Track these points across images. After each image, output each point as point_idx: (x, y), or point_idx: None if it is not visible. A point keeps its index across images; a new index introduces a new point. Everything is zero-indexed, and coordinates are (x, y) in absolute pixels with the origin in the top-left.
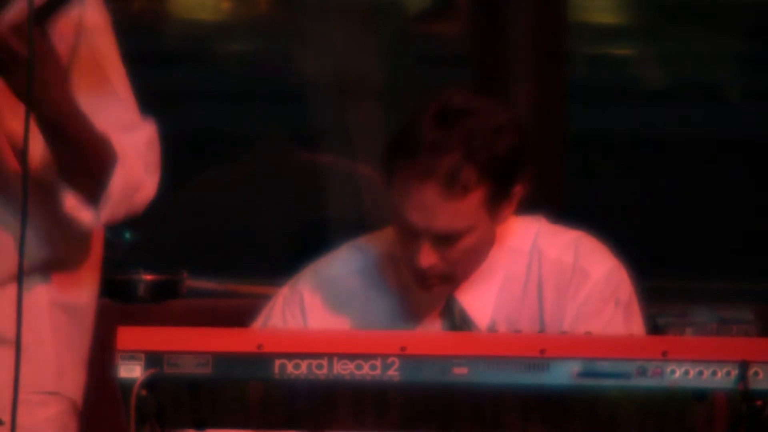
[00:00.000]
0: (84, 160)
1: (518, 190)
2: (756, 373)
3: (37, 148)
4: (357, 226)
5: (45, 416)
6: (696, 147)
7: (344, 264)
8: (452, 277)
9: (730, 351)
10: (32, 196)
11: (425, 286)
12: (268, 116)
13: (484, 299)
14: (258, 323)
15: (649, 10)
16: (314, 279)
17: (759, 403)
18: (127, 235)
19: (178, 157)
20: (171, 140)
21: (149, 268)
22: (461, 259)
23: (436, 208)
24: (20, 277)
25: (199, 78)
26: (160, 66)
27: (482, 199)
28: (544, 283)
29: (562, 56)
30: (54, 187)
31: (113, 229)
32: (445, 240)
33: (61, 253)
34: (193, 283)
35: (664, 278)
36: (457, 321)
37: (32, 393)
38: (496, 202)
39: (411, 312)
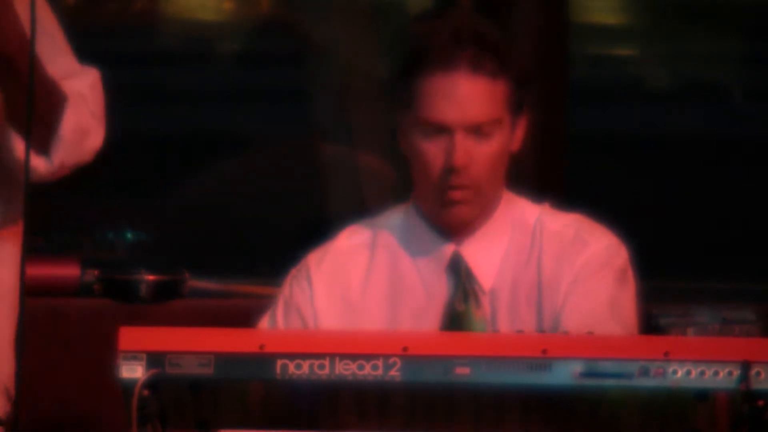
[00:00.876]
0: (35, 101)
1: (525, 119)
2: (758, 374)
3: None
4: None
5: None
6: (697, 147)
7: (349, 238)
8: (477, 191)
9: (732, 351)
10: None
11: (453, 199)
12: (269, 116)
13: (489, 261)
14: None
15: (651, 10)
16: (320, 252)
17: (761, 403)
18: (129, 235)
19: (179, 156)
20: (173, 140)
21: (151, 268)
22: (487, 168)
23: (466, 96)
24: (22, 277)
25: (200, 78)
26: (161, 66)
27: (504, 91)
28: (544, 253)
29: (564, 57)
30: (4, 136)
31: (115, 229)
32: (476, 133)
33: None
34: (195, 283)
35: (665, 278)
36: (463, 278)
37: None
38: (515, 104)
39: (417, 276)
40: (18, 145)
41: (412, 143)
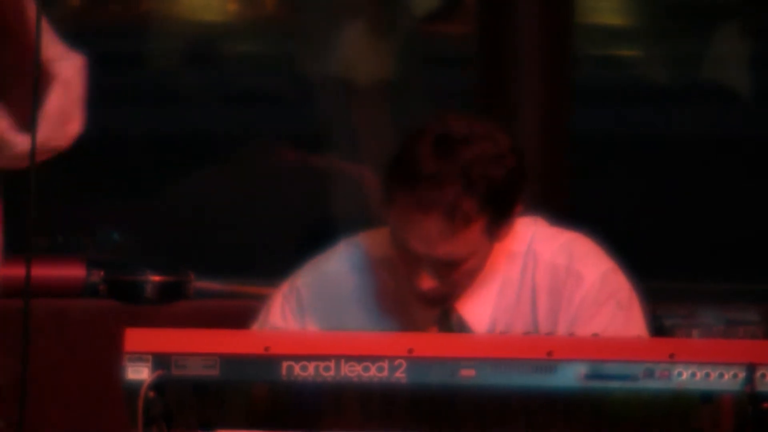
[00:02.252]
0: (23, 76)
1: (517, 211)
2: (763, 376)
3: None
4: (360, 226)
5: None
6: (699, 147)
7: (341, 261)
8: (452, 296)
9: (736, 353)
10: None
11: (426, 304)
12: (273, 117)
13: (482, 306)
14: (258, 321)
15: (655, 11)
16: (311, 275)
17: (766, 405)
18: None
19: (183, 156)
20: (177, 140)
21: (156, 268)
22: (461, 280)
23: (437, 238)
24: (27, 277)
25: (204, 79)
26: (165, 66)
27: (483, 227)
28: (538, 287)
29: (568, 57)
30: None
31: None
32: (445, 265)
33: None
34: (200, 284)
35: (667, 279)
36: (455, 330)
37: None
38: (497, 227)
39: (407, 319)
40: (2, 123)
41: (393, 240)
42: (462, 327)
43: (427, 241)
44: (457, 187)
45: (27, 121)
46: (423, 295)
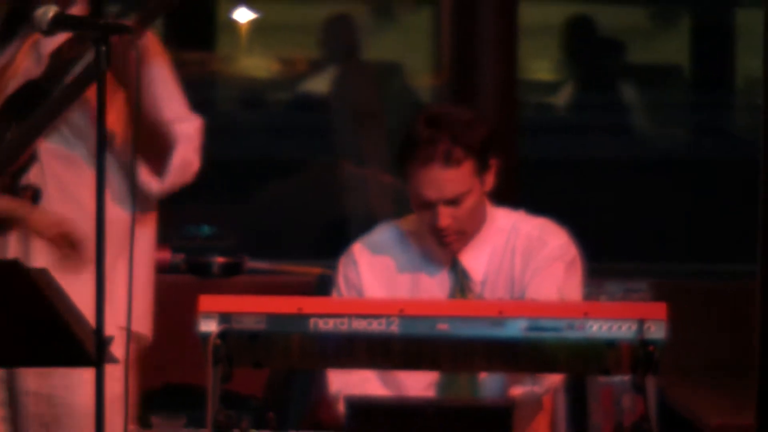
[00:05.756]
0: (156, 142)
1: (493, 163)
2: (649, 328)
3: (123, 137)
4: (369, 222)
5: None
6: (610, 169)
7: (383, 234)
8: (463, 232)
9: (631, 312)
10: (116, 170)
11: (445, 243)
12: (309, 145)
13: (478, 262)
14: (337, 285)
15: (578, 69)
16: (362, 244)
17: (651, 348)
18: (206, 229)
19: (241, 175)
20: (236, 162)
21: (220, 252)
22: (467, 217)
23: (441, 180)
24: (131, 258)
25: (259, 119)
26: (227, 108)
27: (471, 169)
28: (516, 251)
29: (514, 102)
30: (132, 164)
31: (196, 225)
32: (452, 203)
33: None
34: (253, 263)
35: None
36: (460, 275)
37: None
38: (481, 171)
39: (427, 271)
40: (143, 174)
41: (413, 202)
42: (464, 274)
43: (436, 186)
44: (446, 142)
45: (158, 169)
46: (442, 233)
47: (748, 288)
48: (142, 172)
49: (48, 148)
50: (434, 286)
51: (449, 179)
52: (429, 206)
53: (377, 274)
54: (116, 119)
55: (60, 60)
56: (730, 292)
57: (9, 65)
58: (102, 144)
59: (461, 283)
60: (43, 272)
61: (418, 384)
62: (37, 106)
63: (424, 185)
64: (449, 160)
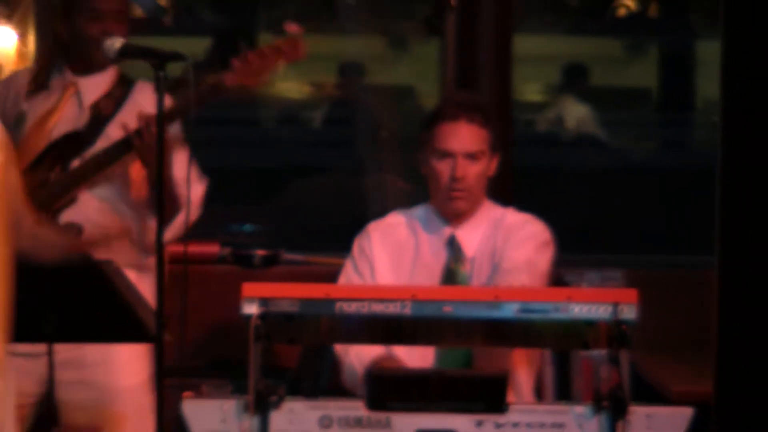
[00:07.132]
0: (167, 201)
1: (498, 155)
2: (622, 310)
3: (142, 194)
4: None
5: None
6: (595, 177)
7: (394, 218)
8: (470, 192)
9: (608, 297)
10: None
11: (454, 197)
12: (334, 156)
13: (471, 240)
14: (352, 255)
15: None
16: (376, 223)
17: (625, 327)
18: (248, 227)
19: (278, 181)
20: (272, 170)
21: (261, 246)
22: (476, 179)
23: (465, 133)
24: (185, 251)
25: (293, 134)
26: (266, 125)
27: (487, 138)
28: (500, 236)
29: (509, 119)
30: (145, 214)
31: (240, 224)
32: (470, 157)
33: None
34: (288, 256)
35: (570, 253)
36: (455, 249)
37: None
38: (492, 150)
39: (429, 246)
40: (152, 222)
41: (431, 164)
42: (459, 249)
43: (460, 138)
44: (471, 109)
45: (170, 218)
46: (455, 184)
47: (707, 276)
48: (152, 221)
49: (86, 193)
50: (433, 257)
51: (472, 134)
52: (450, 157)
53: (386, 246)
54: (137, 172)
55: (100, 113)
56: (692, 280)
57: (52, 113)
58: (160, 164)
59: (455, 255)
60: (110, 263)
61: (414, 362)
62: (78, 153)
63: (449, 138)
64: (473, 120)
